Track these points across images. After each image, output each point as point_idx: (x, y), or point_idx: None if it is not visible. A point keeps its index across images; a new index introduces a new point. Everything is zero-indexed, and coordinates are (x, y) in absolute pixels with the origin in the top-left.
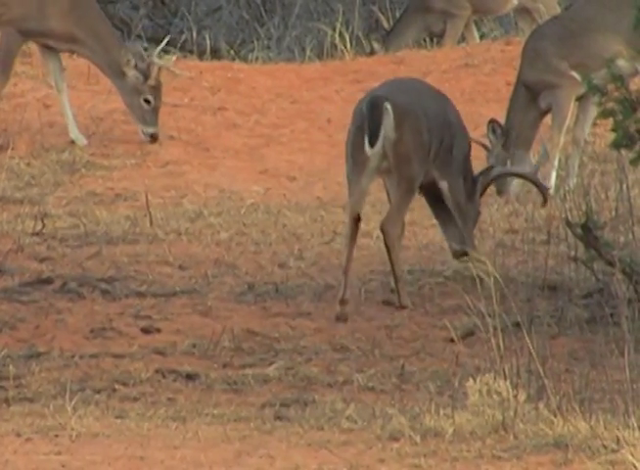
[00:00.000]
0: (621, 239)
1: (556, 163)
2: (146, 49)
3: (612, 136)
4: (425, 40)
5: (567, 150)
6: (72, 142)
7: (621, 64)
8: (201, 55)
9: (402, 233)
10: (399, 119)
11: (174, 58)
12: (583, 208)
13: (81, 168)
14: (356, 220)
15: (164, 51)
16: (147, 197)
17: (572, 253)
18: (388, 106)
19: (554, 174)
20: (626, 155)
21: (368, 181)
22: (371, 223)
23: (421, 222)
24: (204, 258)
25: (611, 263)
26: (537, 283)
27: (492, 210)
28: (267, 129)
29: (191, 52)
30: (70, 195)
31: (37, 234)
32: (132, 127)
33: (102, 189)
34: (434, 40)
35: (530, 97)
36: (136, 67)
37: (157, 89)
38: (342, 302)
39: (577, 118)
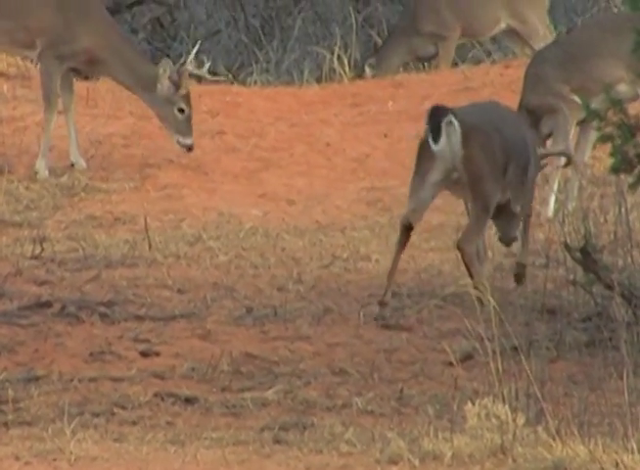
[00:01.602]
0: (620, 262)
1: (555, 187)
2: None
3: (611, 160)
4: (423, 65)
5: (566, 173)
6: (72, 165)
7: (623, 88)
8: (199, 78)
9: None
10: (467, 135)
11: (208, 64)
12: (582, 231)
13: (80, 192)
14: (407, 229)
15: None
16: (146, 220)
17: (571, 276)
18: (453, 119)
19: (553, 198)
20: (626, 178)
21: (428, 194)
22: (370, 247)
23: (419, 246)
24: (202, 282)
25: (609, 287)
26: (536, 306)
27: (491, 232)
28: (266, 153)
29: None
30: (69, 218)
31: (36, 258)
32: (131, 151)
33: (101, 213)
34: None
35: (532, 121)
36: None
37: (188, 98)
38: (382, 303)
39: (578, 143)
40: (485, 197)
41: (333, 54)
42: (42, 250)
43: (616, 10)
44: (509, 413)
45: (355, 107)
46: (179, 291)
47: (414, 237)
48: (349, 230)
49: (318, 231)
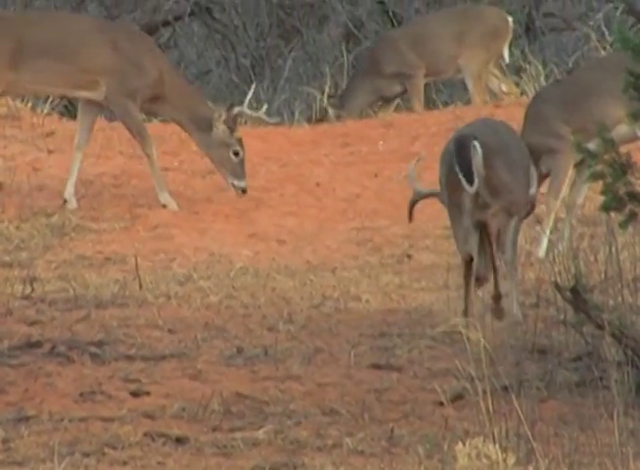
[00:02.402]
0: (611, 302)
1: (548, 229)
2: None
3: (601, 199)
4: None
5: (557, 214)
6: (64, 202)
7: (623, 129)
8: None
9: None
10: (487, 156)
11: (265, 106)
12: (572, 271)
13: (71, 232)
14: (469, 262)
15: None
16: (136, 260)
17: (562, 316)
18: (477, 143)
19: (546, 240)
20: (616, 217)
21: (471, 221)
22: (360, 287)
23: (410, 285)
24: (193, 322)
25: (600, 327)
26: (526, 346)
27: None
28: (256, 193)
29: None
30: (60, 258)
31: (26, 298)
32: (121, 191)
33: (91, 252)
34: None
35: (532, 160)
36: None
37: (242, 141)
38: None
39: (574, 184)
40: (516, 207)
41: (323, 94)
42: (32, 290)
43: (603, 51)
44: (499, 453)
45: (346, 147)
46: (170, 331)
47: (404, 277)
48: (340, 270)
49: (308, 271)
